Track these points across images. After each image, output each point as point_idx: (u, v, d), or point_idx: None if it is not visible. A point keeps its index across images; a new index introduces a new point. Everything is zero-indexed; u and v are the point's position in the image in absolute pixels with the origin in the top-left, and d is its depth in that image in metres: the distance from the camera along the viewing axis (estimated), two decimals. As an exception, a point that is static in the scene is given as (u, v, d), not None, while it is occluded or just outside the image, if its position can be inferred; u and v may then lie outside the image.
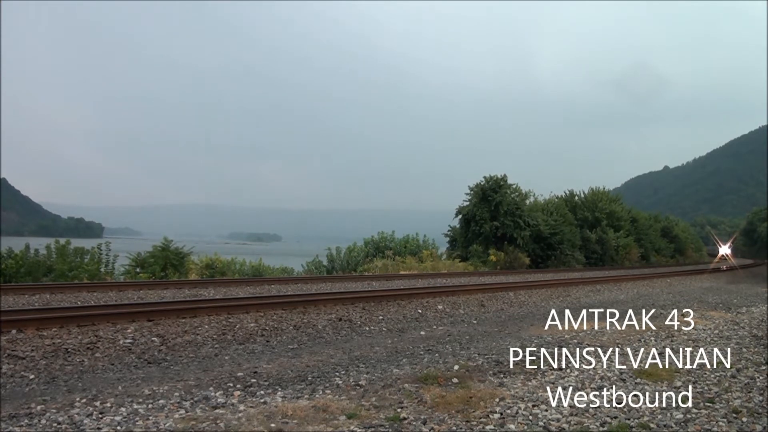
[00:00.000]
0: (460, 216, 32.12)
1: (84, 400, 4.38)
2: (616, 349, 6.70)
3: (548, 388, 4.85)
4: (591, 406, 4.34)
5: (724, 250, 53.98)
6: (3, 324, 6.72)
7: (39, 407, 4.19)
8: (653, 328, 8.46)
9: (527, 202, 33.70)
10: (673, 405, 4.41)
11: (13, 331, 6.69)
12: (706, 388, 4.98)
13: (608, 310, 11.37)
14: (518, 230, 30.20)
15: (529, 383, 5.02)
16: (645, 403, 4.44)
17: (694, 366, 5.85)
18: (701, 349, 6.77)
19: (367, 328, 8.90)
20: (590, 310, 11.44)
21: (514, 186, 32.02)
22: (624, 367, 5.72)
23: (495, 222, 29.95)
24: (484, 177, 31.46)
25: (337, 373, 5.42)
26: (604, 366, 5.75)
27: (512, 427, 3.86)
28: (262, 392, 4.71)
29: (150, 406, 4.24)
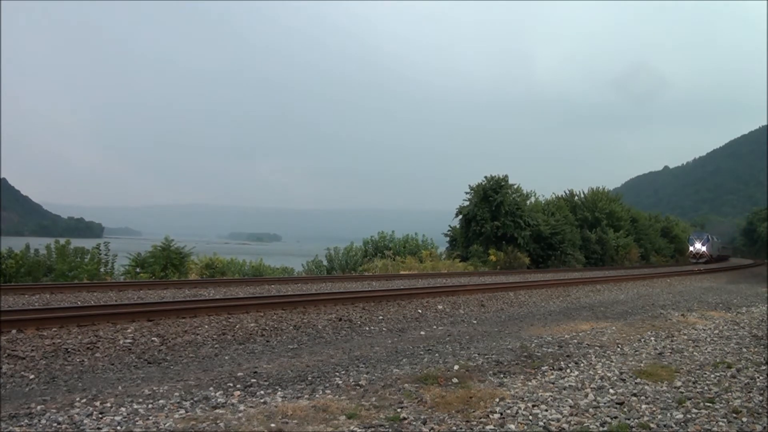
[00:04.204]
0: (460, 216, 32.11)
1: (84, 400, 4.38)
2: (616, 349, 6.71)
3: (548, 388, 4.85)
4: (591, 406, 4.35)
5: (698, 247, 44.32)
6: (3, 324, 6.72)
7: (39, 407, 4.19)
8: (653, 328, 8.47)
9: (528, 202, 33.71)
10: (673, 405, 4.41)
11: (13, 331, 6.69)
12: (706, 388, 4.98)
13: (608, 310, 11.37)
14: (519, 230, 30.20)
15: (529, 383, 5.02)
16: (645, 403, 4.44)
17: (694, 366, 5.86)
18: (701, 349, 6.78)
19: (367, 328, 8.90)
20: (590, 310, 11.44)
21: (515, 186, 32.02)
22: (624, 367, 5.72)
23: (496, 222, 29.95)
24: (485, 177, 31.45)
25: (337, 373, 5.42)
26: (604, 366, 5.76)
27: (512, 427, 3.86)
28: (262, 392, 4.71)
29: (150, 406, 4.24)
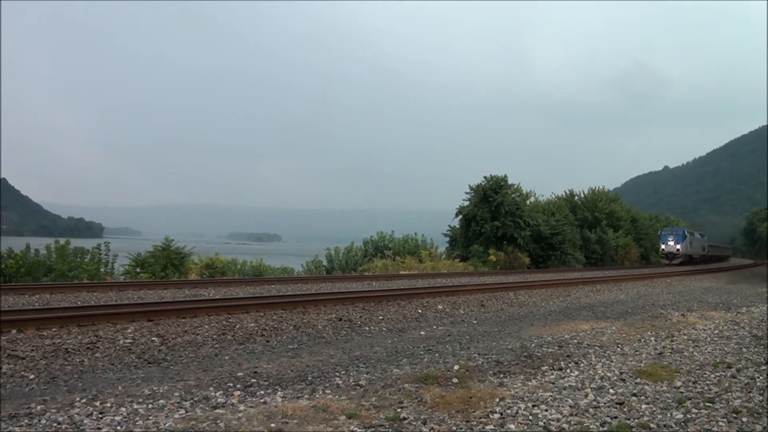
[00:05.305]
0: (460, 216, 32.10)
1: (84, 400, 4.38)
2: (616, 349, 6.71)
3: (548, 388, 4.85)
4: (591, 406, 4.34)
5: (671, 245, 38.00)
6: (3, 324, 6.72)
7: (39, 407, 4.19)
8: (653, 328, 8.47)
9: (528, 202, 33.71)
10: (673, 405, 4.41)
11: (13, 331, 6.69)
12: (706, 388, 4.98)
13: (608, 310, 11.37)
14: (519, 230, 30.20)
15: (529, 383, 5.02)
16: (645, 403, 4.44)
17: (694, 366, 5.86)
18: (701, 349, 6.78)
19: (367, 328, 8.90)
20: (590, 310, 11.44)
21: (515, 186, 32.03)
22: (624, 367, 5.72)
23: (496, 222, 29.95)
24: (485, 177, 31.43)
25: (337, 373, 5.42)
26: (604, 366, 5.76)
27: (512, 427, 3.86)
28: (262, 392, 4.71)
29: (150, 406, 4.24)
